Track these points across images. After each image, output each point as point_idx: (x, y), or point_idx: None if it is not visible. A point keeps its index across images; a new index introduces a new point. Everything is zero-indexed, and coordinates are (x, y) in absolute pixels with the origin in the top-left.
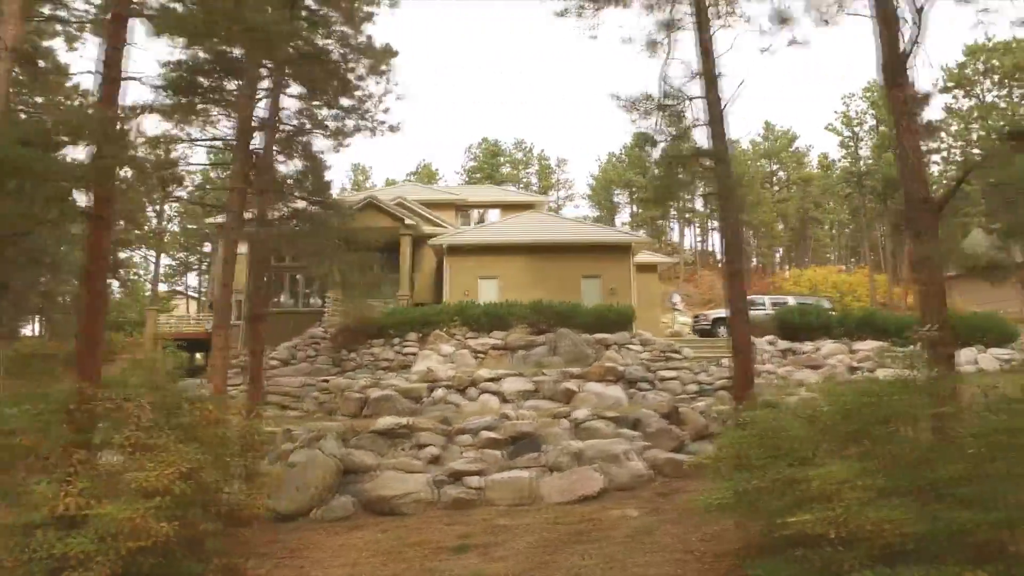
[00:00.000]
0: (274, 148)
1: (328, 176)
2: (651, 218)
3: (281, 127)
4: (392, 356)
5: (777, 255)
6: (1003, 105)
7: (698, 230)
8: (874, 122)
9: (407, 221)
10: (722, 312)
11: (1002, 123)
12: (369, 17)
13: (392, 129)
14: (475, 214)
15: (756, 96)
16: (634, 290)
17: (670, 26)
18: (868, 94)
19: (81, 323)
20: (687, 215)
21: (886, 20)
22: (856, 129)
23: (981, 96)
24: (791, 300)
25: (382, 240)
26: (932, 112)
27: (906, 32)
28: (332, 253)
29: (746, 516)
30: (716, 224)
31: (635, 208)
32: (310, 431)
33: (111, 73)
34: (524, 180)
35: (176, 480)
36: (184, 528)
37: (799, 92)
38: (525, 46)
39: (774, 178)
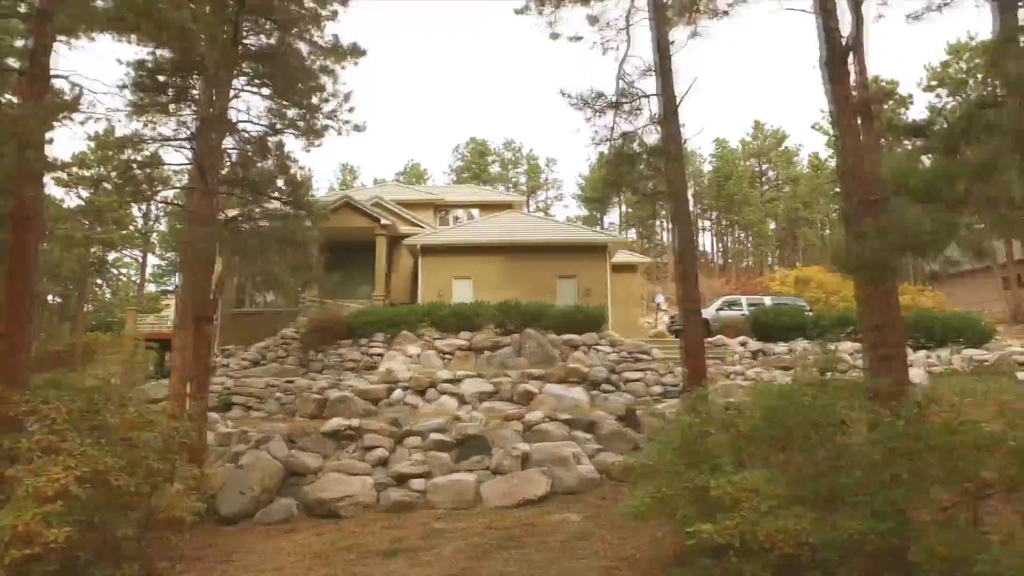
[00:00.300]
0: (223, 147)
1: (300, 176)
2: (641, 218)
3: (241, 127)
4: (358, 357)
5: (769, 255)
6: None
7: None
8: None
9: (383, 221)
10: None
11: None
12: (333, 16)
13: (357, 128)
14: (455, 214)
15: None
16: (610, 290)
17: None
18: None
19: (2, 325)
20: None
21: (825, 13)
22: None
23: (967, 95)
24: (768, 300)
25: (326, 238)
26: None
27: (846, 27)
28: (259, 253)
29: (663, 524)
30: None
31: (624, 208)
32: (262, 433)
33: (37, 71)
34: (513, 179)
35: (73, 484)
36: (92, 533)
37: (792, 91)
38: (516, 46)
39: (763, 177)
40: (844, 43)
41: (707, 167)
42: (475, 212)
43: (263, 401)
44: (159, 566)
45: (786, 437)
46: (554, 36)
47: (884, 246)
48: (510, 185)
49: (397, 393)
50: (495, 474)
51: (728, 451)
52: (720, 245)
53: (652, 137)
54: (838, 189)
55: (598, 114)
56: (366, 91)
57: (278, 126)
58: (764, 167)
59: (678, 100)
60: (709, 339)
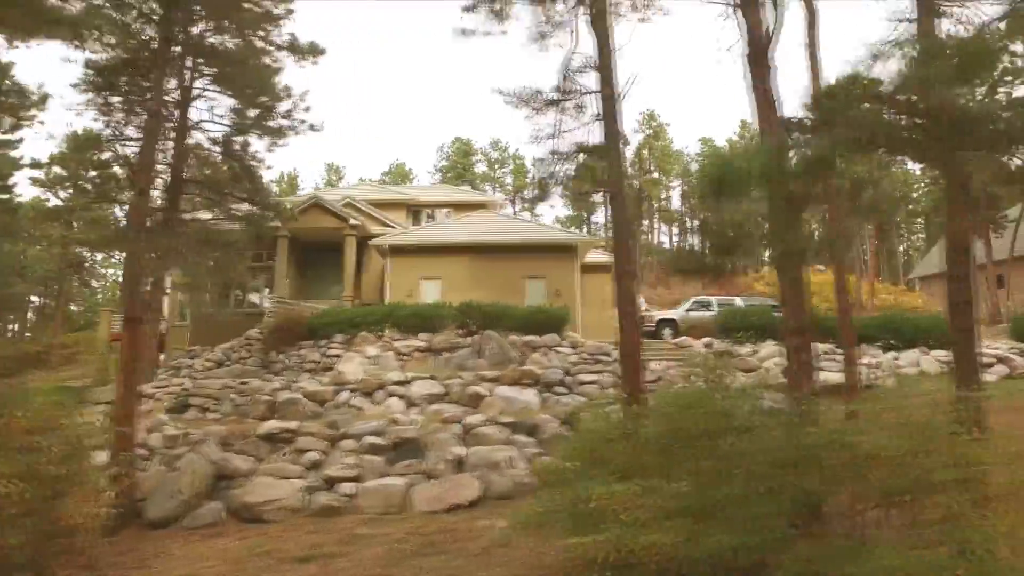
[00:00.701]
0: (157, 146)
1: (265, 176)
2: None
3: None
4: (318, 358)
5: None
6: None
7: (676, 229)
8: None
9: (351, 221)
10: (668, 313)
11: None
12: (288, 14)
13: (313, 128)
14: (429, 214)
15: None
16: (580, 291)
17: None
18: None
19: None
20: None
21: (745, 6)
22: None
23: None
24: (738, 300)
25: (295, 239)
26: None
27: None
28: (179, 255)
29: (554, 535)
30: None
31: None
32: (206, 435)
33: None
34: (500, 179)
35: None
36: None
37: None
38: (505, 45)
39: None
40: (764, 37)
41: (695, 166)
42: (448, 212)
43: (220, 403)
44: (63, 574)
45: (679, 444)
46: (467, 32)
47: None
48: (496, 185)
49: (344, 395)
50: (428, 478)
51: (628, 459)
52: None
53: (597, 136)
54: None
55: (538, 112)
56: (354, 91)
57: (238, 126)
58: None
59: (620, 96)
60: (675, 340)
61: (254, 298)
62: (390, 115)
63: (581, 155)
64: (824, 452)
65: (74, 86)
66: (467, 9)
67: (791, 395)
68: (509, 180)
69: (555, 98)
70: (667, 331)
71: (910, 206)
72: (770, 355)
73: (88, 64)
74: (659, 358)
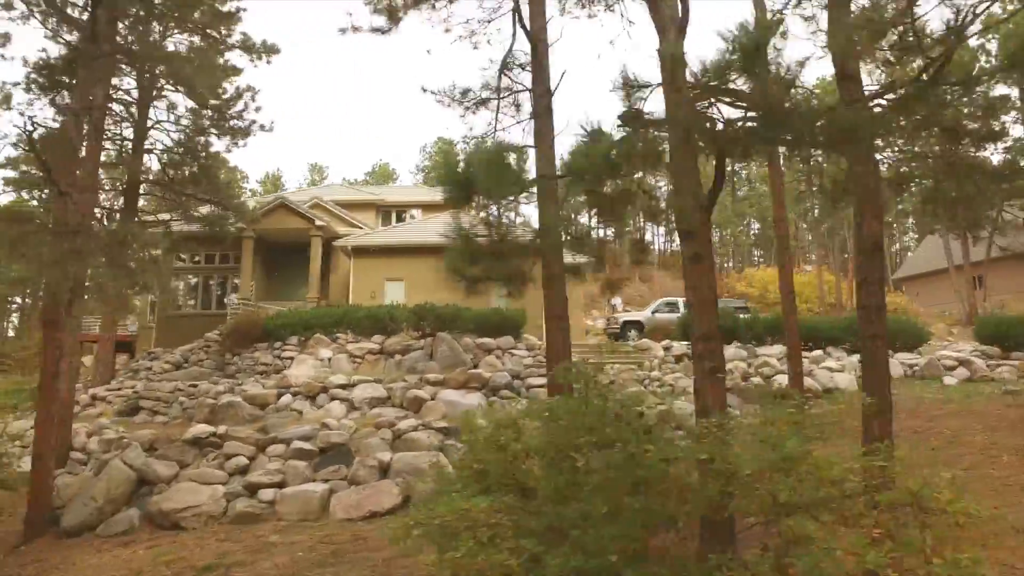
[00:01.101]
0: (83, 143)
1: (226, 177)
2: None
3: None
4: (270, 360)
5: (755, 254)
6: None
7: (662, 229)
8: None
9: (317, 222)
10: (634, 315)
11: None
12: (237, 11)
13: (263, 128)
14: (403, 215)
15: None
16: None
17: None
18: (817, 90)
19: None
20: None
21: (654, 3)
22: None
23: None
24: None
25: (261, 240)
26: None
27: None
28: (76, 259)
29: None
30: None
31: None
32: (131, 440)
33: None
34: None
35: None
36: None
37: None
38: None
39: (733, 177)
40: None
41: None
42: (418, 212)
43: (169, 406)
44: None
45: (547, 458)
46: (355, 29)
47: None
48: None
49: (286, 398)
50: (351, 484)
51: (506, 469)
52: None
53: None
54: (802, 188)
55: (469, 111)
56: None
57: (194, 127)
58: (740, 165)
59: (551, 92)
60: (635, 343)
61: (233, 299)
62: (377, 115)
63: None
64: (678, 468)
65: (15, 84)
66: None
67: (699, 404)
68: None
69: (485, 97)
70: (633, 333)
71: (900, 205)
72: (731, 358)
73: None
74: (614, 361)
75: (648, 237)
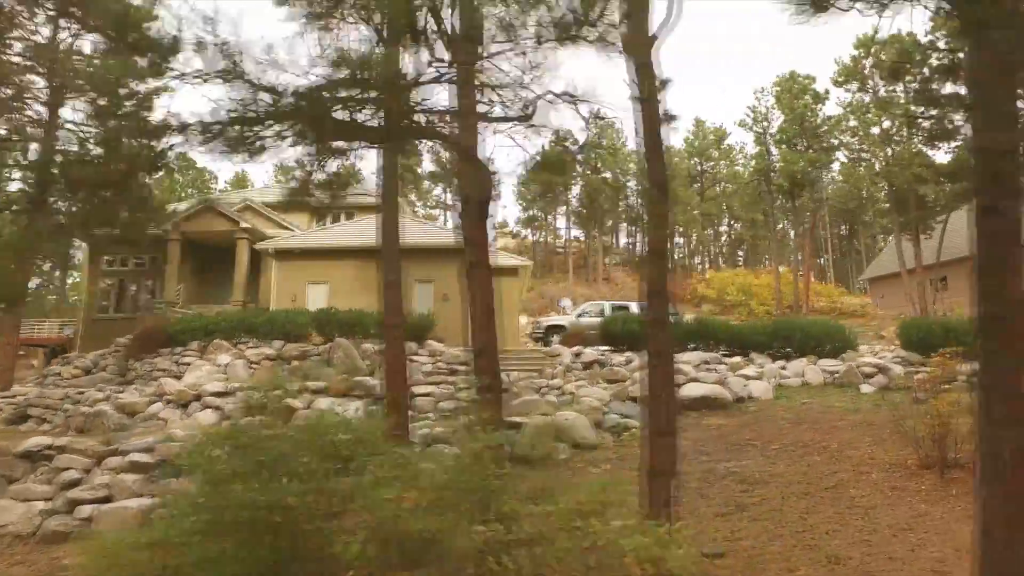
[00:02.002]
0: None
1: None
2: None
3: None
4: (168, 366)
5: (720, 255)
6: (902, 99)
7: (632, 228)
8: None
9: (243, 224)
10: (557, 319)
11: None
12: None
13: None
14: (337, 217)
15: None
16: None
17: None
18: (776, 88)
19: None
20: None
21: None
22: (764, 125)
23: (875, 90)
24: (634, 306)
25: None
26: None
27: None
28: None
29: None
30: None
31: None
32: None
33: None
34: (453, 180)
35: None
36: None
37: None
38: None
39: (703, 177)
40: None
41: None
42: (355, 214)
43: (56, 413)
44: None
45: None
46: None
47: None
48: (444, 185)
49: (157, 407)
50: None
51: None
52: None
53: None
54: (763, 188)
55: None
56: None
57: (105, 128)
58: (709, 166)
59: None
60: (547, 348)
61: (153, 302)
62: None
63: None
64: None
65: None
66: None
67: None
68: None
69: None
70: (556, 337)
71: (876, 205)
72: (640, 366)
73: None
74: (520, 368)
75: (625, 239)
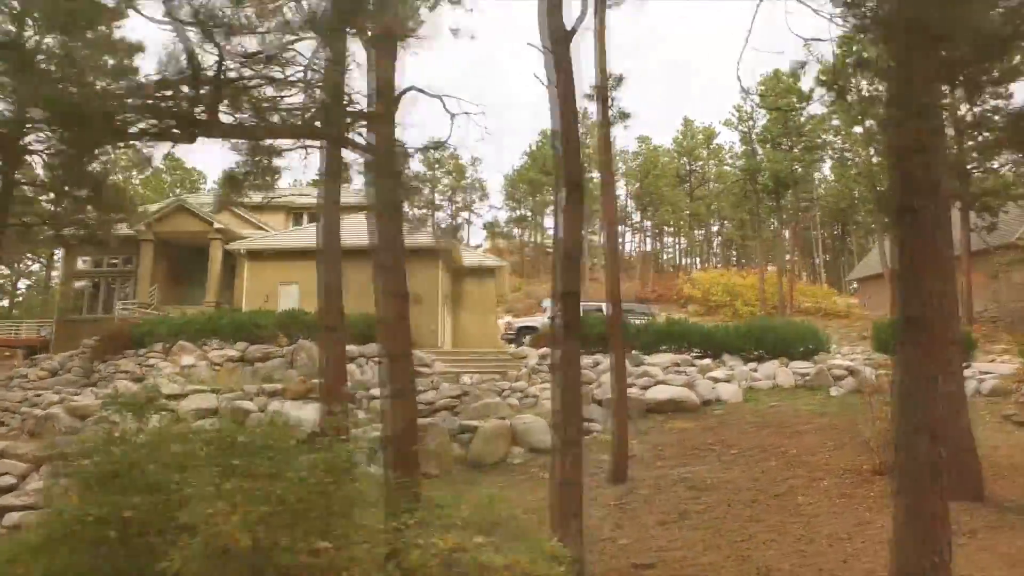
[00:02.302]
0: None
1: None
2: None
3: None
4: (132, 368)
5: (710, 254)
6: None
7: (623, 228)
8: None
9: (216, 225)
10: (529, 321)
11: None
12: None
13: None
14: (312, 217)
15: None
16: (440, 295)
17: None
18: (761, 87)
19: None
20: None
21: None
22: (749, 124)
23: (858, 90)
24: (606, 307)
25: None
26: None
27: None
28: None
29: None
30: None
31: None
32: None
33: None
34: (436, 179)
35: None
36: None
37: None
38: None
39: (692, 176)
40: (571, 27)
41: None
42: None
43: (15, 416)
44: None
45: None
46: None
47: None
48: (429, 185)
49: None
50: None
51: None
52: (655, 245)
53: None
54: (747, 188)
55: None
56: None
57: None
58: (697, 165)
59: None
60: (512, 350)
61: (125, 304)
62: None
63: None
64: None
65: None
66: None
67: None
68: (446, 180)
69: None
70: (527, 339)
71: (868, 205)
72: (608, 368)
73: None
74: (484, 370)
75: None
